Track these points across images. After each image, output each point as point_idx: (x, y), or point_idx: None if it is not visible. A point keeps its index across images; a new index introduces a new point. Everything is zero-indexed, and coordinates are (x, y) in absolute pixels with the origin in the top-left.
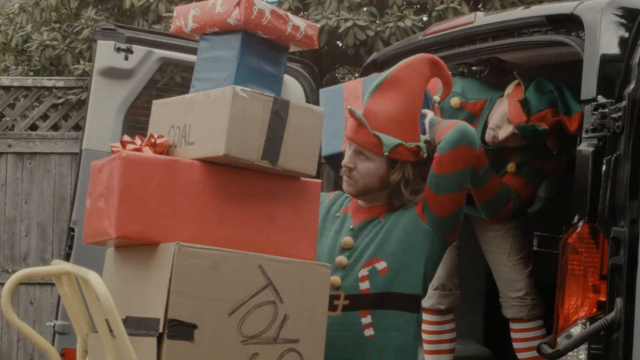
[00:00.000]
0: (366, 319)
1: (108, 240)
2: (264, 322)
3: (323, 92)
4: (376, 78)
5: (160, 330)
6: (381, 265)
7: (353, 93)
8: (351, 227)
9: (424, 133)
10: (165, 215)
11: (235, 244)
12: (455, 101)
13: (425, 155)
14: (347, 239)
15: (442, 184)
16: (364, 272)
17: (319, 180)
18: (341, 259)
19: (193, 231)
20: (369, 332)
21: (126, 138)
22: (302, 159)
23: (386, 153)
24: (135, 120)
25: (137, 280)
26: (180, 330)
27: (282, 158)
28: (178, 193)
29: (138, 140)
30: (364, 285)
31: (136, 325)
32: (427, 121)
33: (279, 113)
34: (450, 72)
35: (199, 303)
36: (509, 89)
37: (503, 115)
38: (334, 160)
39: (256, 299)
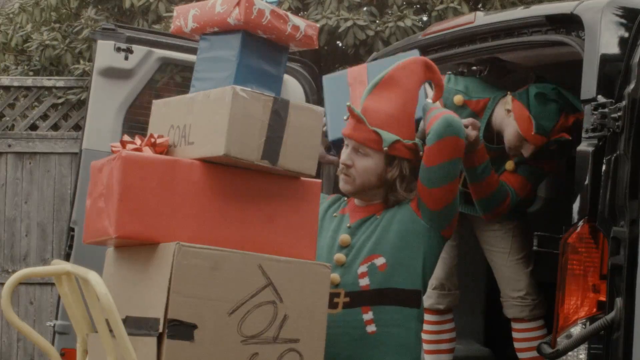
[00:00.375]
0: (368, 316)
1: (108, 240)
2: (264, 322)
3: (327, 78)
4: (380, 65)
5: (160, 330)
6: (380, 261)
7: (358, 78)
8: (348, 225)
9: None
10: (165, 215)
11: (235, 243)
12: (458, 99)
13: (422, 153)
14: (344, 237)
15: (432, 177)
16: (363, 268)
17: (319, 180)
18: (339, 256)
19: (193, 231)
20: (370, 328)
21: (126, 138)
22: (302, 158)
23: (385, 148)
24: (135, 120)
25: (137, 280)
26: (180, 330)
27: (282, 158)
28: (178, 193)
29: (138, 140)
30: (364, 282)
31: (136, 325)
32: (422, 106)
33: (279, 113)
34: (449, 73)
35: (199, 303)
36: (508, 105)
37: (518, 136)
38: (341, 145)
39: (256, 298)
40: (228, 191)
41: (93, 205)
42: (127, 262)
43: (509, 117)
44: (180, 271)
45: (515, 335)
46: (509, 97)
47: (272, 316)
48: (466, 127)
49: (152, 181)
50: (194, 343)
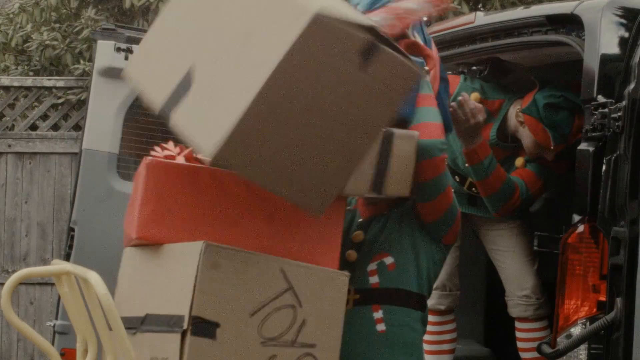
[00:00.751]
0: (378, 314)
1: (131, 241)
2: (283, 325)
3: None
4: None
5: (184, 327)
6: (389, 260)
7: None
8: (360, 220)
9: None
10: (187, 221)
11: (259, 251)
12: (475, 96)
13: None
14: (357, 233)
15: (420, 192)
16: (372, 266)
17: (344, 198)
18: (351, 253)
19: (215, 238)
20: (380, 327)
21: (166, 145)
22: (401, 184)
23: None
24: (136, 121)
25: (160, 277)
26: (204, 327)
27: (386, 186)
28: (201, 200)
29: (177, 149)
30: (374, 280)
31: (157, 323)
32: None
33: (386, 144)
34: (451, 72)
35: (223, 302)
36: (520, 117)
37: (537, 145)
38: None
39: (277, 301)
40: (254, 201)
41: (129, 210)
42: (147, 261)
43: (523, 128)
44: (206, 270)
45: (518, 334)
46: (519, 112)
47: (291, 320)
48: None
49: (176, 187)
50: (215, 341)
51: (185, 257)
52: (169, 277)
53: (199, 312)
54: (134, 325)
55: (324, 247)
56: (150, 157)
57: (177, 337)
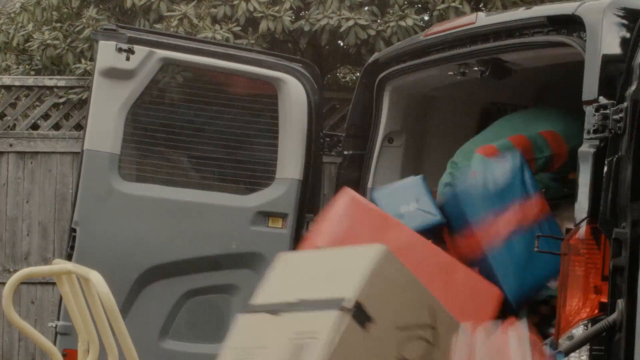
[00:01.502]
0: None
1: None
2: (417, 355)
3: None
4: None
5: (346, 306)
6: None
7: None
8: None
9: None
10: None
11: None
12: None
13: None
14: None
15: None
16: None
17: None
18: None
19: None
20: None
21: None
22: None
23: None
24: (137, 121)
25: (325, 270)
26: (362, 316)
27: None
28: (383, 237)
29: None
30: None
31: (310, 304)
32: None
33: None
34: None
35: (382, 303)
36: None
37: None
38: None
39: (420, 331)
40: (422, 263)
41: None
42: (311, 258)
43: None
44: (380, 269)
45: None
46: None
47: (423, 354)
48: None
49: (365, 219)
50: (364, 333)
51: (361, 255)
52: (337, 270)
53: (363, 300)
54: (281, 308)
55: (476, 306)
56: (352, 192)
57: (334, 313)
